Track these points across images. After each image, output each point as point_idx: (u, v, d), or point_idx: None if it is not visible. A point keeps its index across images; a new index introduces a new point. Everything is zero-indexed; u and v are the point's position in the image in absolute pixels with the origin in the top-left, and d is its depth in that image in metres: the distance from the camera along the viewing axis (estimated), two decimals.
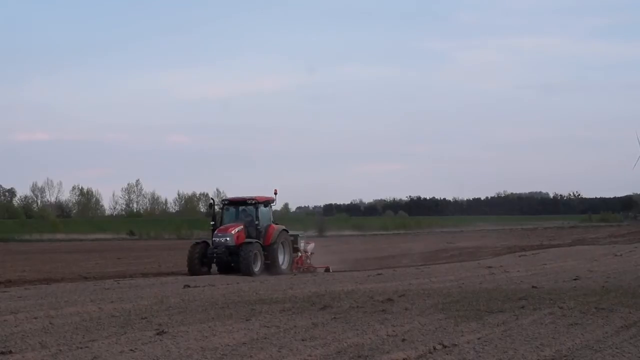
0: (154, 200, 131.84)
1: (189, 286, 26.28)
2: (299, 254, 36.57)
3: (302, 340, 14.61)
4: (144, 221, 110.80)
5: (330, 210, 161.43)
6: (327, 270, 36.12)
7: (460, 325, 16.08)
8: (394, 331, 15.43)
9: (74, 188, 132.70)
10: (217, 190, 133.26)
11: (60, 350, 13.95)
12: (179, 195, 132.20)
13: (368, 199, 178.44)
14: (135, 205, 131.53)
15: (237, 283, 27.83)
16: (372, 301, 20.42)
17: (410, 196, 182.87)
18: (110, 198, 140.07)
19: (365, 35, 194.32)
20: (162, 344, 14.40)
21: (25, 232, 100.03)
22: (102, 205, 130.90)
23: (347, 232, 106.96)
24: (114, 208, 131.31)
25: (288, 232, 35.58)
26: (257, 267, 33.05)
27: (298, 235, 36.95)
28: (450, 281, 27.33)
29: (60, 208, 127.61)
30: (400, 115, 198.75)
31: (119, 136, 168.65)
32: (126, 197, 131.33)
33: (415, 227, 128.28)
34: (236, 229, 33.99)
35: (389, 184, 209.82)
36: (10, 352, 13.82)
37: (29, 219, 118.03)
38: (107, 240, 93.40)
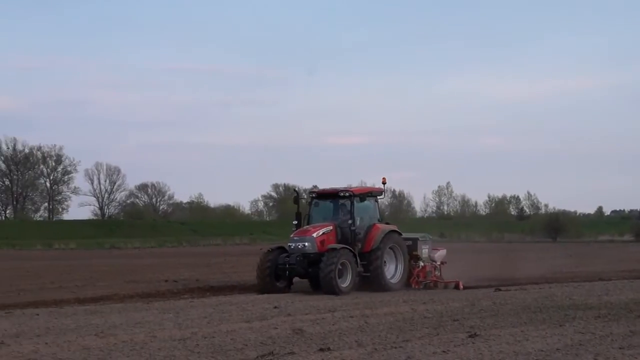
0: (464, 202, 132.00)
1: (500, 289, 26.23)
2: (421, 264, 28.43)
3: (620, 348, 14.13)
4: (454, 223, 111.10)
5: None
6: (456, 286, 28.20)
7: None
8: None
9: (387, 190, 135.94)
10: (528, 192, 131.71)
11: (376, 349, 14.37)
12: (489, 197, 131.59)
13: None
14: (445, 208, 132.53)
15: (550, 287, 27.31)
16: None
17: None
18: (421, 200, 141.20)
19: None
20: (475, 346, 14.45)
21: None
22: (413, 207, 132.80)
23: None
24: (425, 210, 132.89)
25: (401, 234, 27.79)
26: (344, 283, 25.60)
27: (418, 238, 28.70)
28: None
29: None
30: None
31: (430, 139, 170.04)
32: (437, 199, 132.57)
33: None
34: (321, 231, 26.48)
35: None
36: (329, 349, 14.41)
37: None
38: None
